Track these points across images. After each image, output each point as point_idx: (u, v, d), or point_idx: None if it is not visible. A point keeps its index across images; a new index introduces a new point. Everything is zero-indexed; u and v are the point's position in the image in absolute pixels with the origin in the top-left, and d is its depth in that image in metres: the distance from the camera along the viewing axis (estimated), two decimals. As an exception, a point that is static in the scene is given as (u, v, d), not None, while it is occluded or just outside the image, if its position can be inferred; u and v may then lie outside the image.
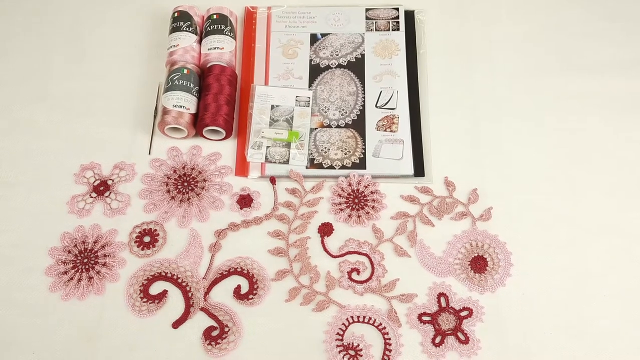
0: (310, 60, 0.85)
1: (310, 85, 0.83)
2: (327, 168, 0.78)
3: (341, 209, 0.76)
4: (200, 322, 0.69)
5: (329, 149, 0.79)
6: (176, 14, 0.84)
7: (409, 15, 0.89)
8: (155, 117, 0.81)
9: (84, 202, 0.76)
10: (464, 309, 0.70)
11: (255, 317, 0.70)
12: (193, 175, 0.78)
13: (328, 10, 0.89)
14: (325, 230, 0.75)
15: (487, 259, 0.73)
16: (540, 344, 0.68)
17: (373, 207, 0.76)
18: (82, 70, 0.86)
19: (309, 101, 0.82)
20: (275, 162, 0.78)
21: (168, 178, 0.78)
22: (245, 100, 0.83)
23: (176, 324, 0.69)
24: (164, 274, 0.72)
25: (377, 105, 0.82)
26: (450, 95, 0.84)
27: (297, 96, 0.82)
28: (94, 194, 0.76)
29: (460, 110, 0.83)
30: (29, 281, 0.71)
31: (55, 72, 0.86)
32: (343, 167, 0.78)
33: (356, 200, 0.76)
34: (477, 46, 0.87)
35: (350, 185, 0.77)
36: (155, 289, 0.71)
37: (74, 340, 0.68)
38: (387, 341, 0.68)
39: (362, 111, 0.81)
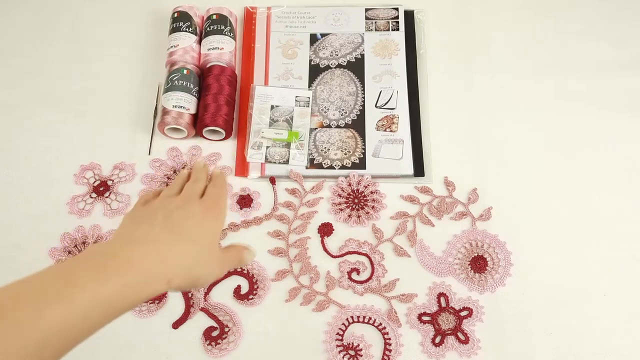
0: (310, 61, 0.85)
1: (310, 86, 0.83)
2: (327, 168, 0.78)
3: (341, 209, 0.76)
4: (200, 322, 0.69)
5: (328, 149, 0.79)
6: (176, 15, 0.84)
7: (409, 15, 0.88)
8: (155, 117, 0.81)
9: (84, 203, 0.76)
10: (464, 308, 0.70)
11: (255, 317, 0.70)
12: (193, 175, 0.78)
13: (328, 10, 0.89)
14: (325, 230, 0.75)
15: (487, 259, 0.73)
16: (540, 344, 0.68)
17: (373, 207, 0.76)
18: (82, 70, 0.86)
19: (309, 101, 0.82)
20: (275, 162, 0.78)
21: (168, 178, 0.78)
22: (245, 101, 0.83)
23: (176, 324, 0.69)
24: (164, 274, 0.72)
25: (377, 105, 0.82)
26: (450, 95, 0.84)
27: (296, 96, 0.82)
28: (94, 195, 0.76)
29: (460, 110, 0.83)
30: (29, 281, 0.71)
31: (55, 72, 0.85)
32: (343, 167, 0.78)
33: (356, 200, 0.76)
34: (477, 46, 0.87)
35: (350, 185, 0.77)
36: (155, 289, 0.71)
37: (74, 340, 0.68)
38: (387, 341, 0.68)
39: (362, 111, 0.81)
